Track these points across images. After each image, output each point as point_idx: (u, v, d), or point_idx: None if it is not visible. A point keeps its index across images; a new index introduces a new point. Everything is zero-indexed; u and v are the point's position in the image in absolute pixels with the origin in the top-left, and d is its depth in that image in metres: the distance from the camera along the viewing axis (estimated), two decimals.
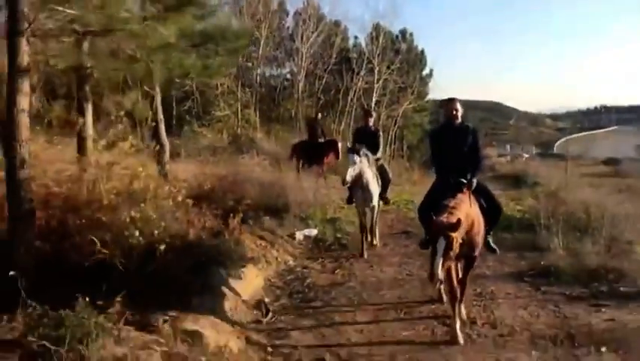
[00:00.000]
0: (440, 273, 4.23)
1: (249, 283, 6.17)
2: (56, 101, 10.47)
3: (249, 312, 5.58)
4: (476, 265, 5.50)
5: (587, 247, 6.89)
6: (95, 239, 5.06)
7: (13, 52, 5.21)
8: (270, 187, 10.09)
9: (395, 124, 31.40)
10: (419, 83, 32.28)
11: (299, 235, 8.72)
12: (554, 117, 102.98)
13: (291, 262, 7.54)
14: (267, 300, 5.94)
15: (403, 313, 5.62)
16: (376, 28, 30.02)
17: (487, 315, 5.39)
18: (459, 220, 4.34)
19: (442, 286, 5.16)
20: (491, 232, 5.54)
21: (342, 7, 60.47)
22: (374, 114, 9.76)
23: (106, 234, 5.26)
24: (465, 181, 4.98)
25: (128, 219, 5.24)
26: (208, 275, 5.67)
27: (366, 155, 7.51)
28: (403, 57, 30.98)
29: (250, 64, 26.51)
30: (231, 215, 7.20)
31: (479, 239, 4.98)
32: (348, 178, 7.26)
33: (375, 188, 7.71)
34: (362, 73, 29.08)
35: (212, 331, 4.62)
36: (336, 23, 30.22)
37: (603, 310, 5.47)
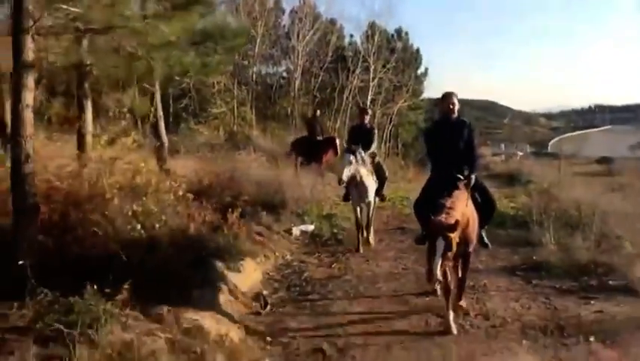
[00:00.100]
0: (439, 273, 4.29)
1: (247, 277, 6.32)
2: (55, 98, 10.57)
3: (248, 304, 5.72)
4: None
5: (578, 242, 7.07)
6: (98, 231, 5.17)
7: (18, 49, 5.33)
8: (267, 184, 10.23)
9: (390, 122, 31.54)
10: (414, 82, 32.40)
11: (296, 231, 8.87)
12: (548, 116, 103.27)
13: (289, 257, 7.69)
14: (265, 293, 6.07)
15: (398, 305, 5.77)
16: (372, 26, 30.14)
17: (479, 307, 5.54)
18: (457, 221, 4.42)
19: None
20: (485, 228, 5.63)
21: (337, 5, 60.31)
22: (369, 112, 9.71)
23: (108, 227, 5.38)
24: (462, 177, 5.06)
25: (130, 213, 5.35)
26: (208, 268, 5.81)
27: (361, 154, 7.62)
28: (399, 56, 31.09)
29: (246, 62, 26.56)
30: (230, 210, 7.33)
31: (473, 235, 5.08)
32: (344, 177, 7.38)
33: (370, 184, 7.82)
34: (358, 71, 29.19)
35: (212, 321, 4.76)
36: (332, 22, 30.35)
37: (592, 302, 5.63)
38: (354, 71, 29.06)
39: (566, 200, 9.85)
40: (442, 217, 4.45)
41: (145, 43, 6.38)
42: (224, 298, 5.48)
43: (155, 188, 5.90)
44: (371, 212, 8.16)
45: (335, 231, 9.07)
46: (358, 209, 8.01)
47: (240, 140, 20.05)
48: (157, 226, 5.51)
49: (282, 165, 13.09)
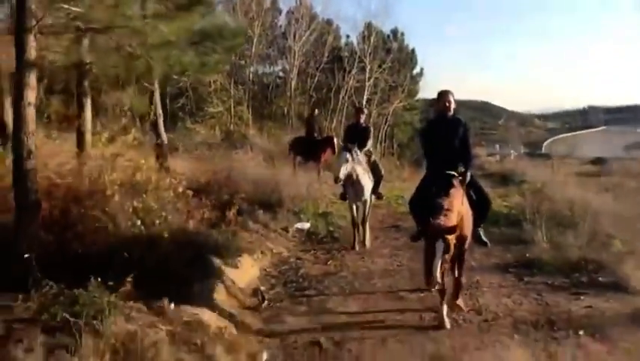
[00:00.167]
0: (439, 275, 4.32)
1: (245, 273, 6.44)
2: (53, 96, 10.65)
3: (245, 299, 5.83)
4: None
5: (569, 240, 7.21)
6: (99, 227, 5.27)
7: (21, 47, 5.43)
8: (264, 182, 10.35)
9: (386, 122, 31.68)
10: (410, 82, 32.54)
11: (292, 229, 8.98)
12: (543, 117, 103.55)
13: (285, 254, 7.80)
14: (262, 288, 6.18)
15: (393, 300, 5.89)
16: (368, 27, 30.29)
17: (472, 303, 5.65)
18: (459, 227, 4.49)
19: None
20: (482, 226, 5.72)
21: (334, 6, 60.50)
22: (365, 111, 9.78)
23: (109, 224, 5.48)
24: (456, 174, 5.13)
25: (130, 210, 5.45)
26: (207, 264, 5.92)
27: (357, 152, 7.70)
28: (394, 56, 31.23)
29: (243, 62, 26.67)
30: (228, 208, 7.45)
31: (468, 233, 5.13)
32: (341, 175, 7.41)
33: (366, 183, 7.85)
34: (354, 71, 29.32)
35: (211, 315, 4.88)
36: (329, 22, 30.48)
37: (582, 298, 5.76)
38: (350, 71, 29.20)
39: (558, 199, 9.99)
40: (441, 220, 4.46)
41: (145, 43, 6.48)
42: (222, 293, 5.58)
43: (155, 185, 6.00)
44: (367, 210, 8.17)
45: (331, 229, 9.18)
46: (354, 207, 8.06)
47: (236, 139, 20.16)
48: (157, 222, 5.60)
49: (279, 164, 13.22)
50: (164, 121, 9.97)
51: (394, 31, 32.81)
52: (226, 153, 13.91)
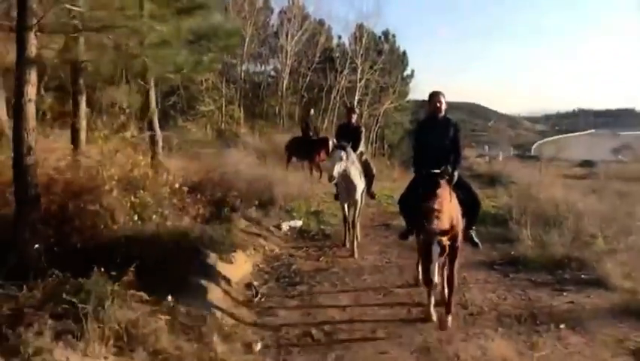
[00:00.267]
0: (437, 278, 4.34)
1: (239, 268, 6.60)
2: (48, 93, 10.71)
3: (239, 293, 5.99)
4: None
5: (554, 239, 7.44)
6: (97, 221, 5.41)
7: (21, 45, 5.56)
8: (256, 181, 10.49)
9: (376, 123, 31.94)
10: (400, 83, 32.83)
11: (284, 226, 9.14)
12: (532, 120, 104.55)
13: (277, 250, 7.95)
14: (255, 283, 6.35)
15: (383, 295, 6.10)
16: (360, 28, 30.54)
17: (458, 297, 5.83)
18: (452, 226, 4.59)
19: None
20: (473, 227, 5.78)
21: (326, 6, 60.87)
22: (357, 111, 9.68)
23: (107, 219, 5.62)
24: (439, 171, 5.13)
25: (128, 205, 5.59)
26: (202, 259, 6.08)
27: (351, 152, 7.76)
28: (386, 57, 31.48)
29: (235, 60, 26.78)
30: (221, 205, 7.60)
31: (459, 230, 5.11)
32: (335, 174, 7.31)
33: (358, 182, 7.81)
34: (345, 72, 29.56)
35: (208, 307, 5.04)
36: (321, 22, 30.70)
37: (565, 293, 6.00)
38: (341, 72, 29.44)
39: (544, 200, 10.22)
40: (435, 224, 4.45)
41: (142, 42, 6.62)
42: (217, 286, 5.74)
43: (152, 181, 6.14)
44: (358, 211, 8.12)
45: (322, 227, 9.34)
46: (346, 206, 8.10)
47: (228, 138, 20.29)
48: (154, 217, 5.74)
49: (271, 163, 13.38)
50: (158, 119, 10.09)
51: (386, 33, 33.11)
52: (218, 152, 14.05)
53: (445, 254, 4.46)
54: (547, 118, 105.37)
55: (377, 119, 31.89)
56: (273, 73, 30.85)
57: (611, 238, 7.55)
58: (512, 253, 7.52)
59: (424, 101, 6.23)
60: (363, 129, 8.64)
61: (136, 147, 7.48)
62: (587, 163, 39.78)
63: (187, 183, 7.90)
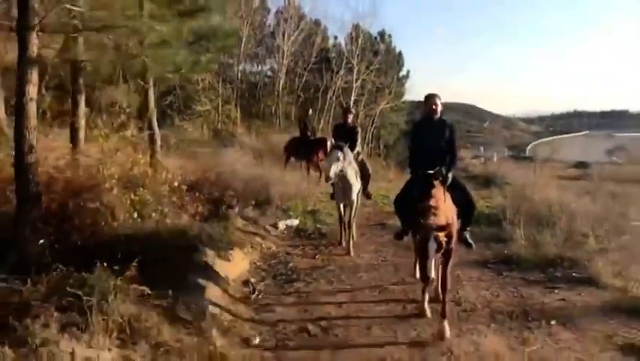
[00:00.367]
0: (433, 273, 4.42)
1: (236, 265, 6.70)
2: (47, 91, 10.78)
3: (237, 290, 6.10)
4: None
5: (547, 238, 7.57)
6: (98, 219, 5.50)
7: (23, 45, 5.65)
8: (253, 180, 10.59)
9: (372, 123, 32.09)
10: (396, 84, 33.00)
11: (281, 225, 9.24)
12: (527, 121, 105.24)
13: (274, 249, 8.06)
14: (253, 280, 6.45)
15: (378, 292, 6.21)
16: (356, 28, 30.68)
17: (452, 294, 5.95)
18: (448, 224, 4.62)
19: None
20: (468, 228, 5.82)
21: (322, 6, 60.97)
22: (353, 111, 9.55)
23: (107, 217, 5.71)
24: (433, 172, 5.16)
25: (128, 202, 5.68)
26: (201, 256, 6.17)
27: (348, 152, 7.79)
28: (382, 58, 31.63)
29: (231, 60, 26.83)
30: (219, 203, 7.70)
31: (453, 230, 5.10)
32: (332, 174, 7.35)
33: (354, 183, 7.87)
34: (341, 72, 29.69)
35: (207, 303, 5.14)
36: (317, 23, 30.84)
37: (556, 291, 6.13)
38: (337, 72, 29.56)
39: (538, 201, 10.35)
40: (432, 219, 4.49)
41: (142, 43, 6.71)
42: (216, 283, 5.83)
43: (151, 179, 6.23)
44: (354, 211, 8.20)
45: (319, 226, 9.45)
46: (342, 206, 8.15)
47: (224, 137, 20.36)
48: (153, 215, 5.83)
49: (268, 163, 13.47)
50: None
51: (382, 34, 33.29)
52: (215, 151, 14.14)
53: (442, 251, 4.53)
54: (541, 119, 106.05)
55: (373, 120, 32.05)
56: (269, 73, 30.94)
57: (603, 237, 7.69)
58: (506, 252, 7.65)
59: (419, 101, 6.29)
60: (359, 129, 8.70)
61: (136, 146, 7.56)
62: (581, 164, 40.03)
63: (185, 182, 8.00)
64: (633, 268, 6.38)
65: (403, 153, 31.53)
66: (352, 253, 7.83)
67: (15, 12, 9.19)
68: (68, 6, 5.80)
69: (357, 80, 30.04)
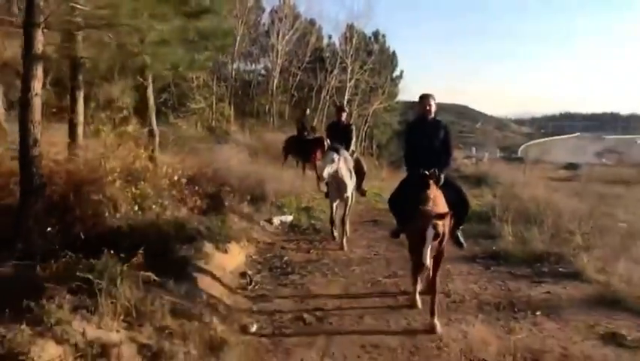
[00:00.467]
0: (428, 261, 4.50)
1: (233, 258, 6.89)
2: (45, 88, 10.89)
3: (234, 281, 6.28)
4: None
5: (534, 235, 7.84)
6: (100, 211, 5.68)
7: (29, 41, 5.82)
8: (248, 177, 10.78)
9: (366, 123, 32.33)
10: (390, 84, 33.31)
11: (276, 221, 9.44)
12: (520, 122, 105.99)
13: (270, 243, 8.25)
14: (249, 272, 6.64)
15: (370, 284, 6.42)
16: (350, 28, 30.92)
17: (442, 287, 6.15)
18: (446, 213, 4.69)
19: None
20: (460, 228, 5.96)
21: (317, 6, 61.19)
22: (347, 110, 9.58)
23: (110, 208, 5.89)
24: (427, 173, 5.24)
25: (130, 195, 5.86)
26: (199, 248, 6.35)
27: (344, 152, 7.89)
28: (375, 58, 31.90)
29: (226, 59, 26.98)
30: (216, 199, 7.88)
31: (446, 230, 5.07)
32: (326, 175, 7.51)
33: (348, 182, 7.96)
34: (335, 72, 29.94)
35: (205, 292, 5.34)
36: (311, 22, 31.05)
37: (542, 285, 6.36)
38: (331, 72, 29.81)
39: (527, 200, 10.62)
40: (430, 206, 4.59)
41: (143, 40, 6.88)
42: (214, 274, 6.02)
43: (152, 173, 6.41)
44: (348, 209, 8.29)
45: (313, 222, 9.66)
46: (335, 205, 8.24)
47: (218, 135, 20.54)
48: (154, 207, 6.01)
49: (263, 161, 13.68)
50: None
51: (376, 34, 33.58)
52: (210, 148, 14.31)
53: (438, 240, 4.59)
54: (533, 121, 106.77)
55: (366, 120, 32.31)
56: (263, 72, 31.19)
57: (589, 235, 7.94)
58: (494, 248, 7.89)
59: (413, 102, 6.45)
60: (353, 127, 8.75)
61: (137, 141, 7.72)
62: (571, 166, 40.54)
63: (183, 176, 8.17)
64: (616, 264, 6.62)
65: (396, 152, 31.84)
66: (346, 248, 8.01)
67: (15, 9, 9.37)
68: (73, 4, 5.96)
69: (350, 79, 30.30)
